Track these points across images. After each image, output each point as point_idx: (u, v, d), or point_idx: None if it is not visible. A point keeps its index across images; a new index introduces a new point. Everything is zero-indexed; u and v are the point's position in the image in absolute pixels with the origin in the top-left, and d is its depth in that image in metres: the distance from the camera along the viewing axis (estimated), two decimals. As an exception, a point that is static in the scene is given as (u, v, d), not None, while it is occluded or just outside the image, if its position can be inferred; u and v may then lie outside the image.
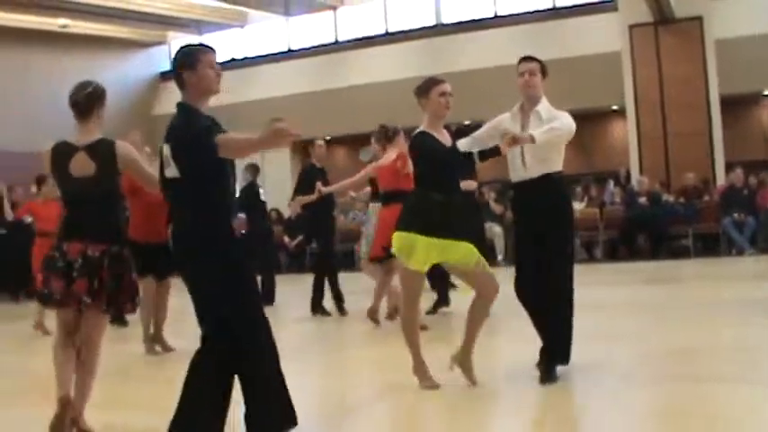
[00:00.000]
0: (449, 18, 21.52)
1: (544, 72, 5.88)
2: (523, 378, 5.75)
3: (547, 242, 5.69)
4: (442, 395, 5.56)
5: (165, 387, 6.95)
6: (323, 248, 11.01)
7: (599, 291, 11.69)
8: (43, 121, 17.68)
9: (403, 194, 8.62)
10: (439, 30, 21.33)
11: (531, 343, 5.89)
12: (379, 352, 7.97)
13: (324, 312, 10.51)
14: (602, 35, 18.91)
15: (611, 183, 18.93)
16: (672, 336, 7.60)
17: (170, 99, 22.79)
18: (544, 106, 5.83)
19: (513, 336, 7.46)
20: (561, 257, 5.74)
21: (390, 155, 8.84)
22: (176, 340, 8.37)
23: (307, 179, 10.66)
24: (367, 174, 9.49)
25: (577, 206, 18.07)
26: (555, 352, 5.71)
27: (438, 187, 5.51)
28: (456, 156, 5.72)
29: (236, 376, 4.20)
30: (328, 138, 9.82)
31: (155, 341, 8.43)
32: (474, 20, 21.01)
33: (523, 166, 5.83)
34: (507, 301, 6.18)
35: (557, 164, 5.84)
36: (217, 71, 4.27)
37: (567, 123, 5.71)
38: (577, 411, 5.01)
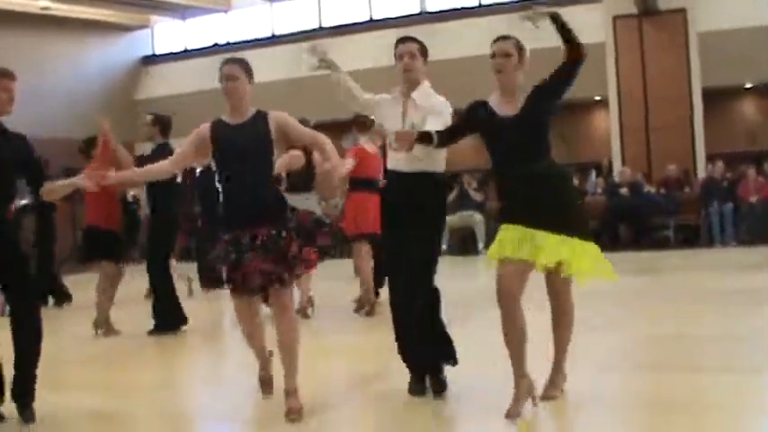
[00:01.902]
0: (433, 6, 21.46)
1: (425, 54, 5.52)
2: (494, 370, 5.74)
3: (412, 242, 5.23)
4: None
5: (116, 369, 6.96)
6: None
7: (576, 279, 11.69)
8: (23, 105, 17.53)
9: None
10: (423, 17, 21.24)
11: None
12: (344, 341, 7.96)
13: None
14: (586, 26, 18.80)
15: (594, 173, 18.98)
16: (653, 325, 7.63)
17: (152, 84, 22.72)
18: (421, 92, 5.42)
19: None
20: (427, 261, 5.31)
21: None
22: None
23: None
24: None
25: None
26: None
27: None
28: None
29: None
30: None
31: (100, 325, 8.64)
32: (458, 8, 20.95)
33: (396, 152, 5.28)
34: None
35: (439, 164, 5.37)
36: (10, 95, 5.04)
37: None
38: (556, 401, 5.00)
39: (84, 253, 8.84)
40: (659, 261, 14.04)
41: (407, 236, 5.22)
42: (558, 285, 5.02)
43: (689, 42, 17.78)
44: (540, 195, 4.79)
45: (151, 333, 8.49)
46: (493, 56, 4.92)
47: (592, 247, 4.91)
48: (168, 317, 8.59)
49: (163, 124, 8.78)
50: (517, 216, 4.80)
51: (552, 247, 4.72)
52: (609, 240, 16.96)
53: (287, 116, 5.15)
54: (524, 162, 4.83)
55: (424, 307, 5.27)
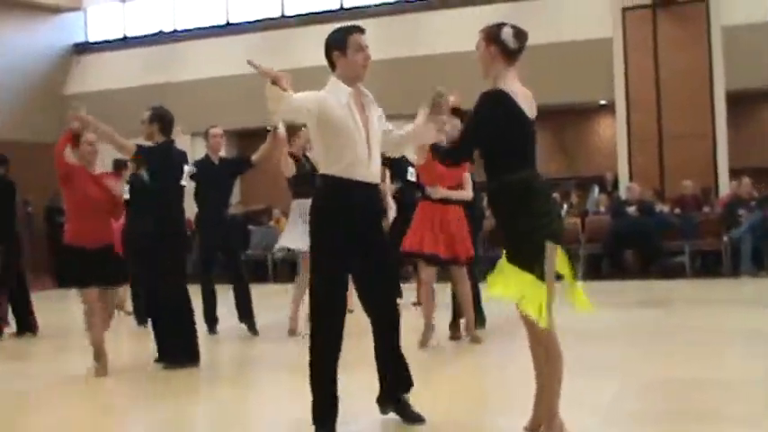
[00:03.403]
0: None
1: None
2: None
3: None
4: None
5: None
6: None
7: (578, 314, 11.72)
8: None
9: None
10: (402, 6, 21.25)
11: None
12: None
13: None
14: (591, 18, 18.91)
15: (596, 189, 19.02)
16: (665, 368, 7.61)
17: (85, 76, 22.45)
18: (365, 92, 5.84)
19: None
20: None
21: None
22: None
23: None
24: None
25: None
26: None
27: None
28: None
29: None
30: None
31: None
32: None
33: (368, 162, 5.50)
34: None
35: None
36: None
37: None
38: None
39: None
40: (672, 292, 14.06)
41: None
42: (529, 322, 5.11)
43: (711, 38, 17.82)
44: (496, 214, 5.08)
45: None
46: None
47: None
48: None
49: (162, 121, 8.61)
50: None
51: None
52: (612, 267, 17.02)
53: None
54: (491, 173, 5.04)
55: None
